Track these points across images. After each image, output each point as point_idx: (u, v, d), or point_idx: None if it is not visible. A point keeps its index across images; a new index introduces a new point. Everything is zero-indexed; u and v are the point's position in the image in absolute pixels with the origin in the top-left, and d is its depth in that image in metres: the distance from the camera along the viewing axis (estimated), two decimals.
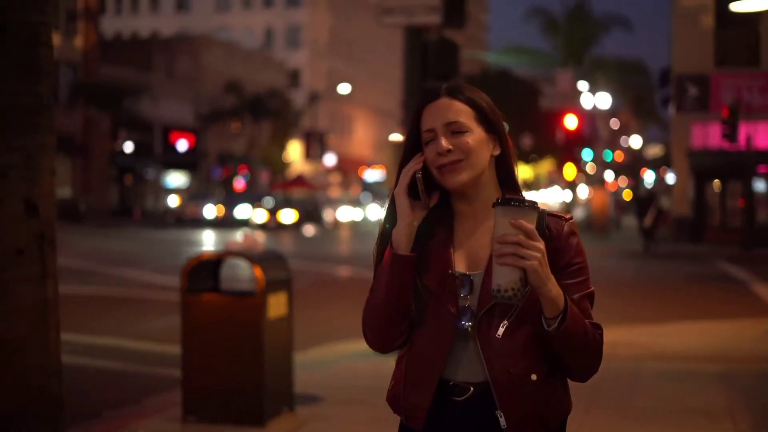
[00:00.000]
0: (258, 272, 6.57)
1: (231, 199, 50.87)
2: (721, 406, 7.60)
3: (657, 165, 55.62)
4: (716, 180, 33.88)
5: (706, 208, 34.03)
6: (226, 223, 46.63)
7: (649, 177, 60.11)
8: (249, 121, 63.45)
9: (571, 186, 39.91)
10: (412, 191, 2.51)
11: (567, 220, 2.53)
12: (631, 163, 72.04)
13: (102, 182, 54.24)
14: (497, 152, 2.56)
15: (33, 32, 3.82)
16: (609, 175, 57.58)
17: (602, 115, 50.51)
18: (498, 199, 2.34)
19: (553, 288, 2.36)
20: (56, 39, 49.15)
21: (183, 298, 6.73)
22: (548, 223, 2.49)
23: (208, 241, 34.19)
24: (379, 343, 2.58)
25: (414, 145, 2.57)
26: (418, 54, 9.82)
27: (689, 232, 33.53)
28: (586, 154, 44.08)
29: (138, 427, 6.67)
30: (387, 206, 2.59)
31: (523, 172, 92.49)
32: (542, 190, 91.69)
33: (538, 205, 2.34)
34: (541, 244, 2.32)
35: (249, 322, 6.63)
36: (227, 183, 64.67)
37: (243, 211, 47.71)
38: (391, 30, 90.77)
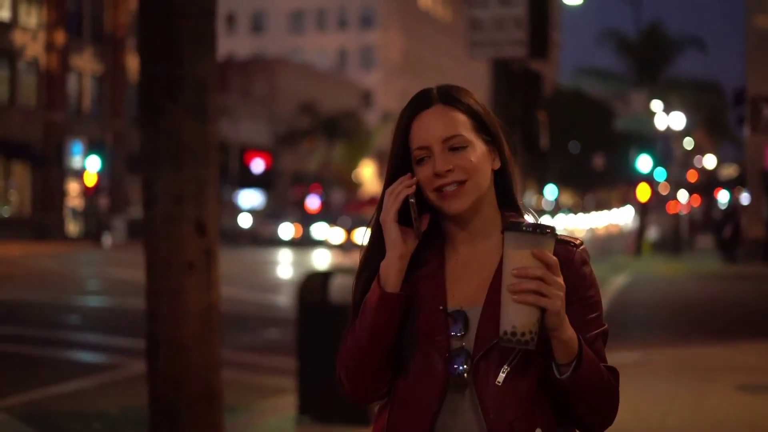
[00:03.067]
0: None
1: (306, 219, 51.65)
2: None
3: (731, 185, 55.39)
4: None
5: None
6: (302, 242, 47.31)
7: (723, 197, 59.73)
8: (323, 141, 64.51)
9: (645, 207, 40.06)
10: (401, 217, 2.11)
11: (577, 246, 2.16)
12: (705, 183, 71.75)
13: None
14: (497, 166, 2.19)
15: (203, 82, 4.58)
16: (682, 195, 57.47)
17: (676, 135, 50.57)
18: (509, 223, 2.00)
19: (568, 330, 1.99)
20: (137, 61, 50.65)
21: (299, 310, 7.48)
22: (557, 250, 2.05)
23: (287, 260, 35.08)
24: (358, 392, 2.18)
25: (401, 163, 2.16)
26: (504, 84, 10.49)
27: (763, 253, 33.59)
28: (659, 174, 44.10)
29: (260, 424, 7.43)
30: (370, 234, 2.20)
31: (596, 195, 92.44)
32: (614, 210, 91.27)
33: (556, 231, 1.99)
34: (562, 281, 1.98)
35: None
36: (301, 203, 65.74)
37: (319, 230, 48.41)
38: (462, 49, 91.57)
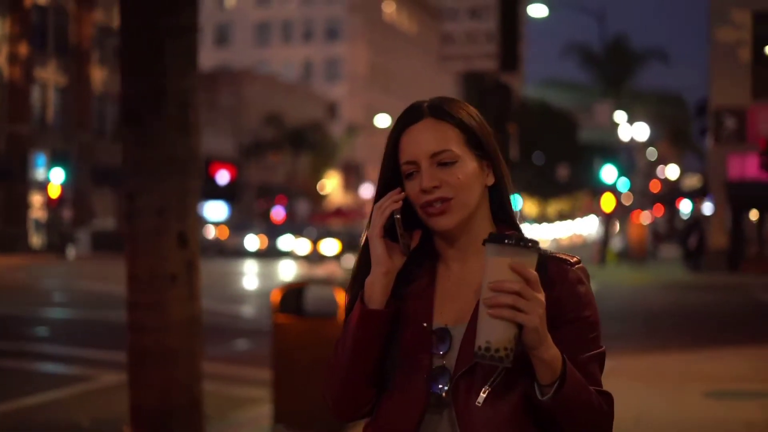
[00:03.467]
0: (341, 296, 7.36)
1: (272, 230, 51.60)
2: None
3: (694, 195, 56.00)
4: (753, 210, 34.36)
5: (744, 238, 34.50)
6: (268, 254, 47.30)
7: (685, 207, 60.31)
8: (289, 153, 64.48)
9: (609, 217, 40.41)
10: (390, 232, 2.06)
11: (573, 264, 2.08)
12: (668, 193, 72.46)
13: None
14: (491, 182, 2.11)
15: (185, 96, 4.63)
16: (646, 206, 57.93)
17: (639, 146, 51.12)
18: (490, 234, 1.90)
19: (549, 349, 1.90)
20: (102, 73, 50.50)
21: (274, 321, 7.53)
22: (550, 267, 2.03)
23: (253, 271, 35.01)
24: (342, 410, 2.13)
25: (391, 177, 2.12)
26: (475, 96, 10.59)
27: (726, 263, 33.99)
28: (623, 185, 44.51)
29: None
30: (360, 249, 2.14)
31: (560, 203, 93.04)
32: (578, 220, 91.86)
33: (539, 245, 1.90)
34: (542, 296, 1.88)
35: (332, 342, 7.40)
36: (266, 214, 65.62)
37: (285, 242, 48.39)
38: (428, 62, 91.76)
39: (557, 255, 2.08)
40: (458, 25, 10.33)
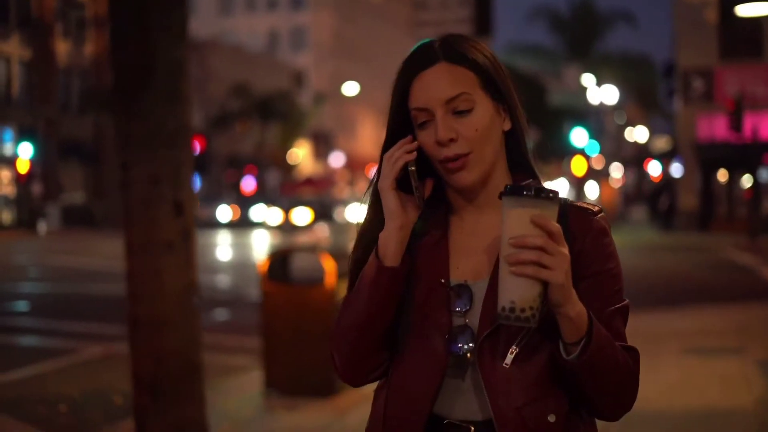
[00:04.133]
0: (328, 262, 7.46)
1: (244, 201, 51.58)
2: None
3: (662, 157, 56.45)
4: (722, 170, 34.74)
5: (713, 198, 34.89)
6: (241, 224, 47.33)
7: (654, 169, 60.76)
8: (257, 123, 64.28)
9: (581, 181, 40.66)
10: (401, 184, 1.94)
11: (596, 213, 1.96)
12: (637, 155, 72.90)
13: (114, 188, 55.00)
14: (508, 127, 1.98)
15: (176, 67, 4.68)
16: (615, 168, 58.32)
17: (608, 109, 51.37)
18: (506, 187, 1.77)
19: (575, 305, 1.79)
20: (67, 46, 50.05)
21: (262, 289, 7.62)
22: (571, 218, 1.91)
23: (227, 242, 35.03)
24: (352, 373, 2.00)
25: (400, 124, 1.97)
26: None
27: (696, 223, 34.38)
28: (592, 147, 44.79)
29: (230, 399, 7.56)
30: (368, 203, 2.03)
31: None
32: (548, 183, 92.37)
33: (559, 195, 1.79)
34: (566, 250, 1.77)
35: (320, 307, 7.52)
36: (236, 185, 65.47)
37: (257, 212, 48.39)
38: (394, 30, 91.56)
39: (578, 204, 1.96)
40: None
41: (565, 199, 1.92)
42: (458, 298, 1.93)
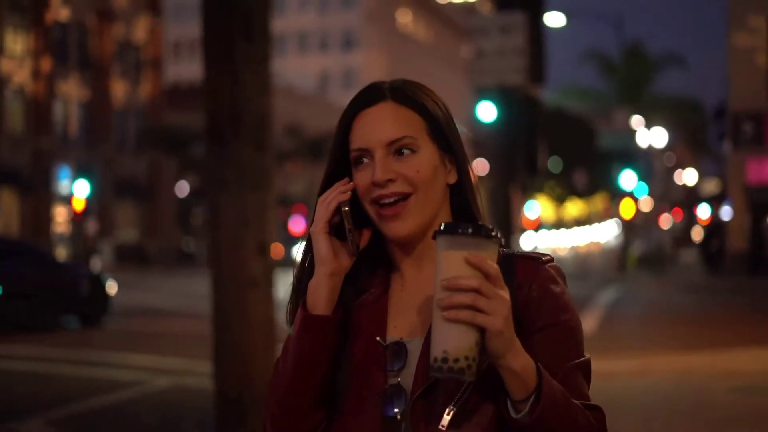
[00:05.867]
0: None
1: (289, 240, 52.21)
2: None
3: (712, 200, 56.35)
4: None
5: (763, 242, 34.88)
6: (284, 263, 47.68)
7: (703, 212, 60.64)
8: (307, 164, 65.09)
9: (629, 223, 40.71)
10: (335, 229, 1.80)
11: (545, 261, 1.79)
12: (686, 198, 72.73)
13: (168, 225, 55.88)
14: (453, 180, 1.83)
15: (262, 117, 5.17)
16: (665, 211, 58.28)
17: (657, 152, 51.48)
18: (441, 225, 1.62)
19: (518, 356, 1.62)
20: (123, 87, 51.24)
21: None
22: (518, 267, 1.76)
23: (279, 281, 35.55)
24: None
25: (341, 166, 1.84)
26: (504, 108, 11.11)
27: (746, 266, 34.37)
28: (641, 190, 44.90)
29: None
30: (303, 249, 1.87)
31: (576, 208, 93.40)
32: (596, 225, 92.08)
33: (499, 235, 1.63)
34: (506, 293, 1.60)
35: None
36: (285, 224, 66.18)
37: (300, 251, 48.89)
38: (445, 70, 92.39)
39: (525, 253, 1.80)
40: (490, 42, 10.85)
41: (511, 249, 1.80)
42: (394, 358, 1.77)
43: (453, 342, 1.57)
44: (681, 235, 59.22)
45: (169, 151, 53.32)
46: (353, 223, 1.78)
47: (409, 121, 1.79)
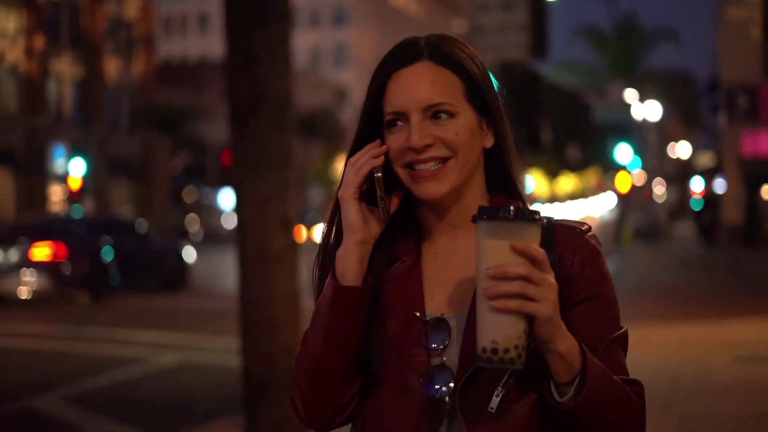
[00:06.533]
0: None
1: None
2: None
3: (705, 173, 56.62)
4: (766, 187, 34.99)
5: (758, 214, 35.13)
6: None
7: (697, 185, 60.91)
8: (299, 140, 65.11)
9: (625, 197, 40.82)
10: (365, 195, 1.72)
11: (585, 232, 1.74)
12: (680, 171, 72.96)
13: (162, 203, 55.95)
14: (490, 144, 1.76)
15: (282, 99, 5.33)
16: (658, 184, 58.55)
17: (650, 125, 51.61)
18: (480, 209, 1.55)
19: (565, 339, 1.58)
20: (116, 64, 51.20)
21: None
22: (558, 238, 1.70)
23: None
24: (316, 415, 1.75)
25: (372, 128, 1.75)
26: (504, 84, 11.23)
27: (742, 239, 34.63)
28: (634, 164, 45.08)
29: None
30: (329, 215, 1.79)
31: (569, 182, 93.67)
32: (591, 198, 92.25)
33: (541, 215, 1.58)
34: (553, 278, 1.56)
35: None
36: None
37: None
38: None
39: (564, 222, 1.74)
40: (490, 18, 10.94)
41: (549, 218, 1.72)
42: (435, 334, 1.70)
43: (502, 332, 1.53)
44: (675, 208, 59.48)
45: (162, 130, 53.35)
46: (384, 187, 1.70)
47: (447, 84, 1.71)
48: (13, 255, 18.12)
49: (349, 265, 1.68)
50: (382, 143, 1.71)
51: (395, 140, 1.70)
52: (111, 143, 49.39)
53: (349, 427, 1.81)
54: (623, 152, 39.19)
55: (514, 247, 1.51)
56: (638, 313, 15.35)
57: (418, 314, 1.70)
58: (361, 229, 1.69)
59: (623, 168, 39.61)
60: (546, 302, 1.52)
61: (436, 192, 1.69)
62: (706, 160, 68.45)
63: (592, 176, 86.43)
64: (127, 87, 53.00)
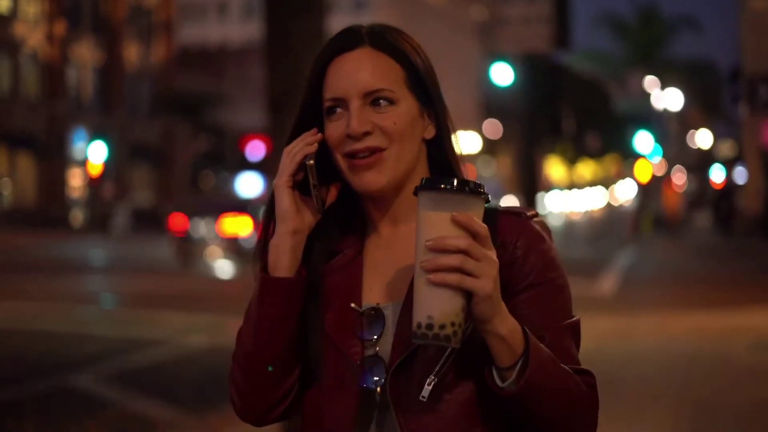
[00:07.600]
0: None
1: None
2: None
3: (726, 163, 56.38)
4: None
5: None
6: None
7: (717, 175, 60.69)
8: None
9: (645, 187, 40.61)
10: (302, 185, 1.68)
11: (530, 217, 1.70)
12: (700, 161, 72.66)
13: (182, 188, 56.14)
14: (431, 134, 1.71)
15: None
16: (677, 171, 58.32)
17: (671, 114, 51.42)
18: (422, 180, 1.50)
19: (506, 320, 1.52)
20: (136, 50, 51.36)
21: None
22: (501, 223, 1.65)
23: None
24: (250, 409, 1.72)
25: (311, 116, 1.70)
26: (528, 76, 11.31)
27: (762, 228, 34.55)
28: (655, 152, 44.95)
29: None
30: (266, 205, 1.74)
31: (588, 169, 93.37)
32: (612, 187, 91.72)
33: (485, 192, 1.51)
34: (494, 254, 1.50)
35: None
36: None
37: None
38: (456, 34, 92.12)
39: (508, 208, 1.70)
40: (514, 9, 11.07)
41: (495, 204, 1.68)
42: (371, 325, 1.66)
43: (438, 307, 1.46)
44: (694, 198, 59.25)
45: (182, 115, 53.53)
46: (319, 178, 1.66)
47: (388, 71, 1.67)
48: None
49: (282, 256, 1.65)
50: (319, 132, 1.68)
51: (335, 128, 1.66)
52: (131, 128, 49.59)
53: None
54: (643, 141, 39.04)
55: (456, 219, 1.46)
56: (657, 300, 15.44)
57: (353, 305, 1.67)
58: (293, 218, 1.65)
59: (643, 156, 39.48)
60: (486, 278, 1.46)
61: (373, 184, 1.65)
62: (726, 149, 68.13)
63: (611, 164, 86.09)
64: (147, 73, 53.17)
